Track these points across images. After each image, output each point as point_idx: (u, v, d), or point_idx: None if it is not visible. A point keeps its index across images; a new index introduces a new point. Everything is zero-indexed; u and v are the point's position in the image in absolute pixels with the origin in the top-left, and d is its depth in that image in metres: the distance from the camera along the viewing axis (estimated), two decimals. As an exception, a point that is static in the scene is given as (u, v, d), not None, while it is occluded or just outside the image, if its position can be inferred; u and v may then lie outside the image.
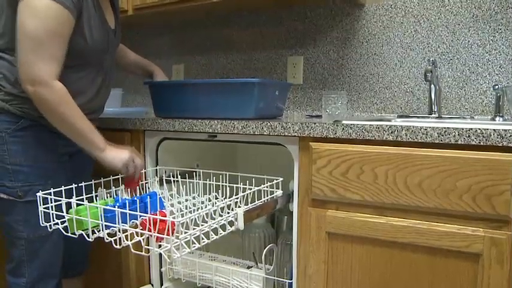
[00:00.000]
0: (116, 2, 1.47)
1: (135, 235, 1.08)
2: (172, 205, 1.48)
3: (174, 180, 1.54)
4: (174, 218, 1.01)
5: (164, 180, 1.57)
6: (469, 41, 1.65)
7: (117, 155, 1.32)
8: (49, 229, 1.16)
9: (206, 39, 2.27)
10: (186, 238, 1.06)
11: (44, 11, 1.15)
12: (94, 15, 1.29)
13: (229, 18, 2.19)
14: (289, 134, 1.27)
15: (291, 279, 1.34)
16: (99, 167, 1.37)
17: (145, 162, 1.57)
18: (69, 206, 1.14)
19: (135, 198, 1.20)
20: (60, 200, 1.14)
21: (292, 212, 1.33)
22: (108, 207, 1.11)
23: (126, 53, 1.72)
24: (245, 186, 1.39)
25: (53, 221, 1.16)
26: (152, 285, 1.61)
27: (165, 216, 1.03)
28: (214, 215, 1.20)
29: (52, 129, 1.28)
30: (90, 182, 1.33)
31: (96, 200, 1.26)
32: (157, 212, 1.08)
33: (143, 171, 1.45)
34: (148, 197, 1.22)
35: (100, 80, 1.39)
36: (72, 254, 1.52)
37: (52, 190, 1.17)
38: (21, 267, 1.31)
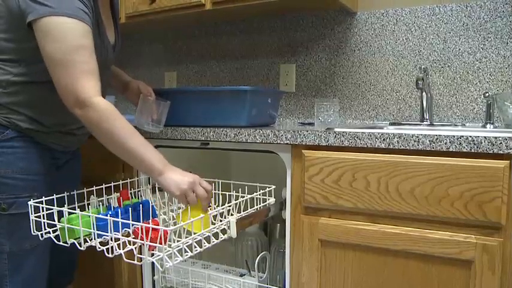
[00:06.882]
0: (116, 14, 1.42)
1: (127, 244, 1.08)
2: (164, 213, 1.47)
3: (166, 188, 1.53)
4: (166, 226, 1.01)
5: (157, 188, 1.56)
6: (459, 49, 1.67)
7: (173, 181, 1.16)
8: (40, 238, 1.15)
9: (199, 46, 2.28)
10: (179, 246, 1.05)
11: (62, 30, 1.11)
12: (96, 34, 1.24)
13: (221, 26, 2.20)
14: (282, 142, 1.27)
15: (284, 287, 1.34)
16: (90, 173, 1.36)
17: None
18: (60, 215, 1.13)
19: (127, 207, 1.19)
20: (52, 209, 1.14)
21: (285, 219, 1.33)
22: (100, 216, 1.10)
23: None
24: (238, 194, 1.39)
25: (45, 229, 1.15)
26: (145, 294, 1.60)
27: (158, 225, 1.03)
28: (207, 223, 1.19)
29: (39, 141, 1.26)
30: (82, 191, 1.31)
31: (88, 209, 1.26)
32: (150, 221, 1.08)
33: (212, 202, 1.28)
34: (140, 205, 1.22)
35: None
36: (60, 264, 1.48)
37: (44, 199, 1.16)
38: (3, 282, 1.25)
